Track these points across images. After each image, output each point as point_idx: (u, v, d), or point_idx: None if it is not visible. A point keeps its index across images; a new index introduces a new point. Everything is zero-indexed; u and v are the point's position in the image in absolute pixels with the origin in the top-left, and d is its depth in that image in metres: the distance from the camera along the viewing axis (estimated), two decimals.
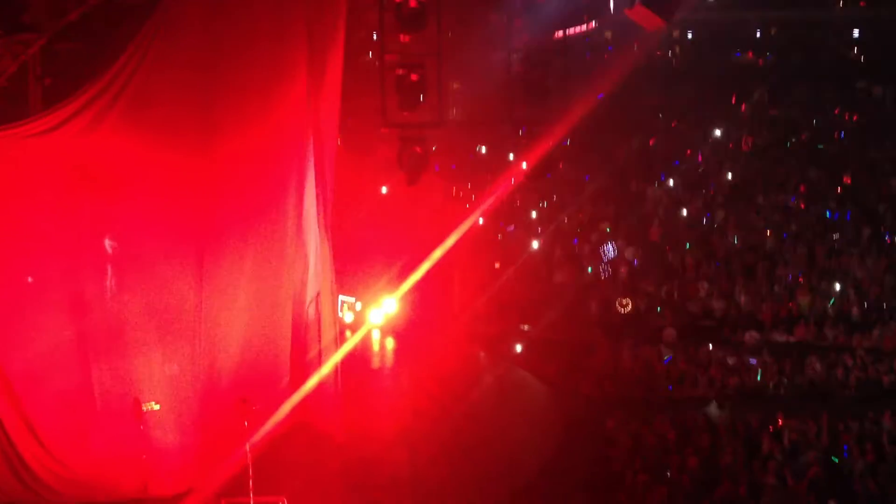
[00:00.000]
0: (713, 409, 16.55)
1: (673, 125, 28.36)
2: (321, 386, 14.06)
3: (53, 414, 12.65)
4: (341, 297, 19.00)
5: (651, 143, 27.57)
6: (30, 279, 12.69)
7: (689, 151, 27.26)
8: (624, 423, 15.17)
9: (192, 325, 13.00)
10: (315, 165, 14.53)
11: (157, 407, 11.82)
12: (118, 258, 12.93)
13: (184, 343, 12.98)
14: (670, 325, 20.01)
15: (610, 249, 22.92)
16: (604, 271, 22.66)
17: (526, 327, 21.27)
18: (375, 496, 12.88)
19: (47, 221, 12.55)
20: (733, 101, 28.97)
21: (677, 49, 30.35)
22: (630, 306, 20.93)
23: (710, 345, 19.23)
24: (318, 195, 14.70)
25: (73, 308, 12.72)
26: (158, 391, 12.47)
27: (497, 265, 23.45)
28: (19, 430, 12.48)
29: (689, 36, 30.25)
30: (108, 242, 12.90)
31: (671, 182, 26.07)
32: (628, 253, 23.03)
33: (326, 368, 14.08)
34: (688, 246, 23.18)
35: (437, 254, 18.41)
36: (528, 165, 16.08)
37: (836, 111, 28.17)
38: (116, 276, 12.94)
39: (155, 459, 12.02)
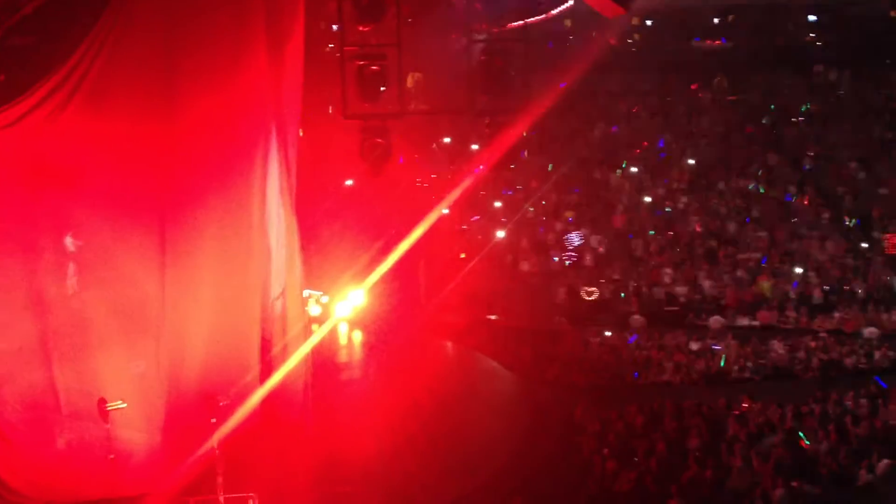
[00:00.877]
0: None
1: (634, 111, 28.55)
2: (288, 380, 13.98)
3: (17, 415, 12.43)
4: (307, 291, 18.88)
5: (613, 130, 27.73)
6: None
7: (649, 139, 27.47)
8: (591, 410, 15.26)
9: (156, 322, 12.84)
10: (278, 157, 14.42)
11: (123, 405, 11.63)
12: (80, 255, 12.72)
13: (148, 340, 12.82)
14: (636, 311, 20.18)
15: (575, 237, 23.04)
16: (569, 259, 22.78)
17: (493, 316, 21.33)
18: (344, 490, 12.81)
19: (5, 219, 12.31)
20: (693, 88, 29.22)
21: (637, 36, 30.50)
22: (596, 294, 21.07)
23: (675, 330, 19.42)
24: (281, 187, 14.60)
25: (35, 307, 12.49)
26: (124, 389, 12.25)
27: (463, 255, 23.49)
28: None
29: (649, 23, 30.40)
30: (69, 240, 12.69)
31: (634, 169, 26.25)
32: (593, 241, 23.17)
33: (293, 362, 14.00)
34: (651, 232, 23.36)
35: (404, 245, 18.39)
36: (491, 155, 16.07)
37: (794, 96, 28.53)
38: (78, 274, 12.74)
39: (122, 459, 11.86)
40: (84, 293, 12.72)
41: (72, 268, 12.81)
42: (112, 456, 11.47)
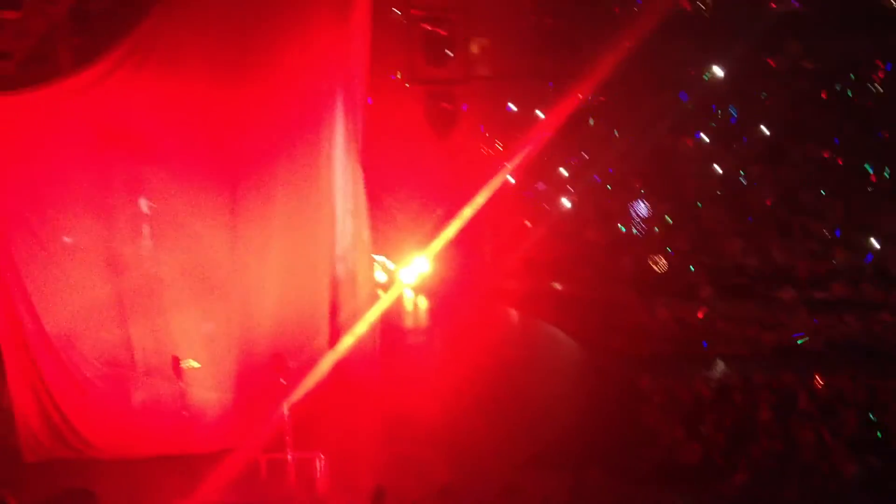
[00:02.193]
0: (719, 367, 16.44)
1: (705, 78, 27.85)
2: (357, 345, 14.13)
3: (95, 371, 12.82)
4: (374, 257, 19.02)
5: (682, 97, 27.13)
6: (67, 239, 12.79)
7: (719, 107, 26.82)
8: (657, 381, 15.13)
9: (226, 284, 13.07)
10: (344, 122, 14.48)
11: (196, 365, 11.91)
12: (154, 217, 12.99)
13: (219, 301, 13.06)
14: (705, 282, 19.87)
15: (642, 206, 22.72)
16: (636, 228, 22.49)
17: (557, 285, 21.22)
18: (411, 450, 12.93)
19: (83, 182, 12.59)
20: (766, 54, 28.39)
21: (709, 0, 29.69)
22: (664, 264, 20.79)
23: (746, 302, 19.08)
24: (347, 152, 14.66)
25: (112, 267, 12.80)
26: (196, 349, 12.55)
27: (528, 223, 23.35)
28: (62, 387, 12.66)
29: None
30: (143, 202, 12.95)
31: (704, 137, 25.70)
32: (660, 210, 22.83)
33: (362, 327, 14.14)
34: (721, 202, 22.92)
35: (468, 212, 18.34)
36: (556, 121, 15.93)
37: (872, 63, 27.54)
38: (152, 236, 13.02)
39: (195, 416, 12.15)
40: (158, 254, 13.01)
41: (146, 229, 13.10)
42: (185, 413, 11.75)
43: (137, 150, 12.68)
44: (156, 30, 12.35)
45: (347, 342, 14.15)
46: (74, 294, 12.64)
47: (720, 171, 24.37)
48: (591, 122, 21.33)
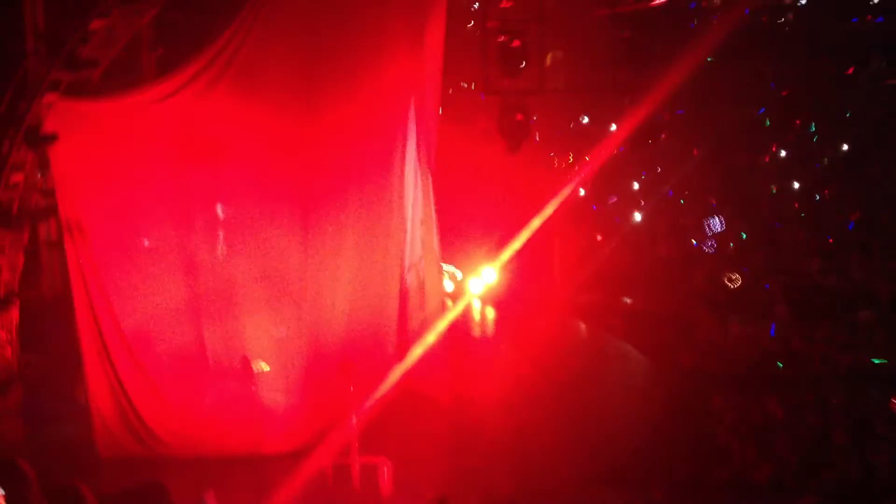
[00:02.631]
0: None
1: (784, 94, 27.32)
2: (426, 354, 14.20)
3: (168, 371, 13.10)
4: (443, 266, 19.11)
5: (760, 112, 26.65)
6: (146, 242, 13.14)
7: (799, 122, 26.27)
8: (729, 399, 14.84)
9: (297, 289, 13.23)
10: (417, 132, 14.61)
11: (266, 367, 12.10)
12: (229, 223, 13.27)
13: (291, 306, 13.23)
14: (780, 301, 19.43)
15: (716, 222, 22.37)
16: (710, 245, 22.15)
17: (627, 299, 21.00)
18: (476, 462, 12.90)
19: (162, 187, 12.89)
20: (848, 70, 27.71)
21: (790, 15, 29.15)
22: (738, 281, 20.40)
23: (822, 322, 18.58)
24: (420, 162, 14.79)
25: (187, 270, 13.09)
26: (267, 353, 12.76)
27: (599, 237, 23.18)
28: (137, 385, 12.96)
29: (803, 1, 28.99)
30: (219, 207, 13.24)
31: (782, 153, 25.21)
32: (736, 226, 22.45)
33: (431, 337, 14.21)
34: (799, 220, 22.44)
35: (537, 224, 18.27)
36: (630, 134, 15.81)
37: None
38: (227, 241, 13.29)
39: (264, 419, 12.32)
40: (232, 259, 13.26)
41: (221, 235, 13.38)
42: (254, 415, 11.93)
43: (214, 158, 12.93)
44: (232, 44, 12.59)
45: (416, 352, 14.23)
46: (151, 295, 12.94)
47: (798, 188, 23.88)
48: (666, 135, 21.00)
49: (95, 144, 12.51)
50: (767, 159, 24.99)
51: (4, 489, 6.37)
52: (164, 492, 5.25)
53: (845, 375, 16.71)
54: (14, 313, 12.67)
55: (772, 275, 20.65)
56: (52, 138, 12.18)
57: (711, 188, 24.05)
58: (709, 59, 20.13)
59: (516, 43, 13.74)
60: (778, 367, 17.12)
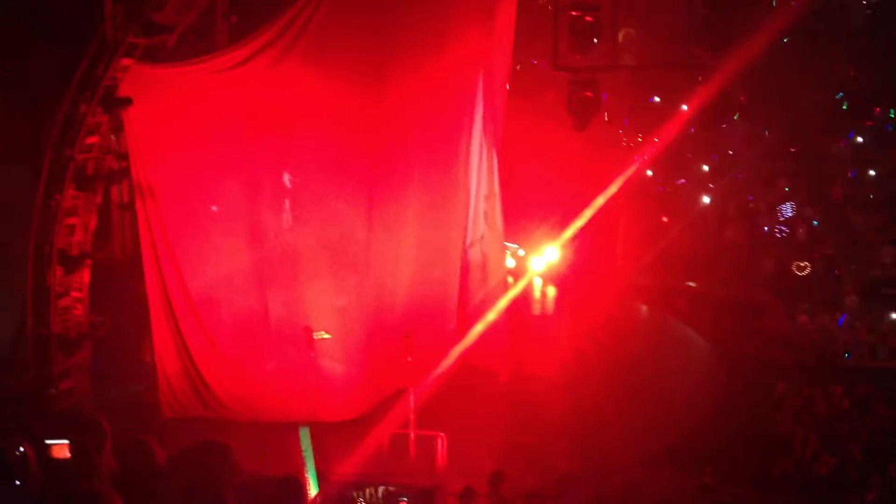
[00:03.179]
0: None
1: (863, 78, 26.48)
2: (487, 330, 14.19)
3: (232, 335, 13.32)
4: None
5: (838, 96, 25.88)
6: (214, 208, 13.33)
7: (878, 108, 25.46)
8: (794, 388, 14.58)
9: (361, 260, 13.32)
10: (484, 109, 14.52)
11: (327, 336, 12.20)
12: (295, 192, 13.37)
13: (353, 276, 13.34)
14: (850, 290, 18.97)
15: (787, 208, 21.87)
16: (780, 231, 21.68)
17: (692, 283, 20.71)
18: (532, 440, 12.88)
19: (231, 154, 13.02)
20: None
21: None
22: (808, 269, 19.96)
23: (893, 313, 18.11)
24: (485, 138, 14.71)
25: (253, 236, 13.27)
26: (328, 321, 12.85)
27: (665, 219, 22.85)
28: (201, 348, 13.20)
29: None
30: (286, 176, 13.34)
31: (859, 139, 24.47)
32: (807, 212, 21.92)
33: (492, 314, 14.18)
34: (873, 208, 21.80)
35: (600, 202, 18.05)
36: (701, 115, 15.45)
37: None
38: (293, 209, 13.40)
39: (323, 386, 12.43)
40: (296, 227, 13.40)
41: (287, 203, 13.50)
42: (314, 382, 12.06)
43: (283, 128, 13.02)
44: (304, 15, 12.58)
45: (477, 327, 14.22)
46: (217, 261, 13.15)
47: (874, 175, 23.19)
48: (738, 117, 20.55)
49: (168, 109, 12.67)
50: (843, 144, 24.28)
51: (82, 442, 6.56)
52: (228, 451, 5.34)
53: None
54: (86, 273, 12.96)
55: (842, 264, 20.17)
56: (127, 102, 12.36)
57: (783, 172, 23.49)
58: (784, 40, 19.58)
59: (589, 18, 13.46)
60: (845, 357, 16.76)
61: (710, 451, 12.40)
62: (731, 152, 24.63)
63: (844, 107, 25.25)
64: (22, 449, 6.24)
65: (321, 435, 11.96)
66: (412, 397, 11.93)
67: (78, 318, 12.89)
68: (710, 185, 23.75)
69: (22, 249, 12.71)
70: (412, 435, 11.88)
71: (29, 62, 13.73)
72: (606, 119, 23.52)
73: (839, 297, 18.81)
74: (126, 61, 12.32)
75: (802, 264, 20.27)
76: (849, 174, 23.12)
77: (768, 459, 12.59)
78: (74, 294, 12.85)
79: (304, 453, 10.36)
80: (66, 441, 7.09)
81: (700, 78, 15.61)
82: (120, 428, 6.67)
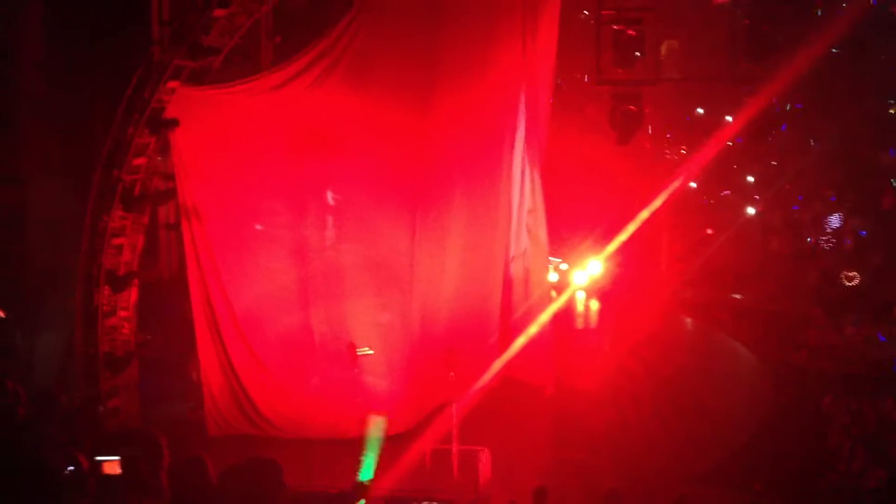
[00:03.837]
0: None
1: None
2: (529, 344, 14.16)
3: (276, 353, 13.44)
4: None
5: (886, 104, 25.43)
6: (258, 227, 13.47)
7: None
8: (842, 400, 14.32)
9: (404, 277, 13.36)
10: (527, 124, 14.55)
11: (370, 352, 12.25)
12: (338, 209, 13.49)
13: (396, 293, 13.38)
14: None
15: (834, 219, 21.54)
16: (826, 242, 21.35)
17: (737, 295, 20.50)
18: (579, 455, 12.82)
19: (275, 173, 13.19)
20: None
21: None
22: (856, 280, 19.64)
23: None
24: (528, 153, 14.73)
25: (297, 254, 13.38)
26: (371, 338, 12.90)
27: (709, 231, 22.65)
28: (246, 365, 13.35)
29: None
30: (330, 194, 13.48)
31: None
32: (854, 223, 21.57)
33: (534, 328, 14.16)
34: None
35: (644, 216, 17.97)
36: (747, 126, 15.34)
37: None
38: (336, 227, 13.52)
39: (367, 402, 12.47)
40: (340, 244, 13.49)
41: (330, 220, 13.63)
42: (359, 399, 12.11)
43: (326, 146, 13.14)
44: (347, 35, 12.76)
45: (519, 341, 14.20)
46: (262, 278, 13.30)
47: None
48: (785, 128, 20.34)
49: (214, 130, 12.91)
50: (892, 154, 23.86)
51: (135, 458, 6.71)
52: (277, 469, 5.42)
53: None
54: (133, 292, 13.20)
55: (891, 274, 19.81)
56: (174, 123, 12.61)
57: (830, 183, 23.14)
58: (833, 50, 19.33)
59: (631, 32, 13.47)
60: (894, 369, 16.46)
61: (758, 466, 12.24)
62: (774, 163, 24.35)
63: (892, 111, 24.82)
64: (73, 467, 6.39)
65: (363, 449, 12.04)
66: (455, 412, 11.95)
67: (125, 337, 13.13)
68: (756, 197, 23.47)
69: (71, 269, 12.99)
70: (455, 450, 11.90)
71: (81, 84, 14.11)
72: (650, 132, 23.39)
73: (888, 307, 18.47)
74: (173, 83, 12.58)
75: (851, 274, 19.96)
76: None
77: (817, 473, 12.39)
78: (122, 313, 13.09)
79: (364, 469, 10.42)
80: (117, 458, 7.27)
81: (745, 89, 15.51)
82: (168, 446, 6.81)
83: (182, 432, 12.73)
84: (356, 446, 11.68)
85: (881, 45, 24.42)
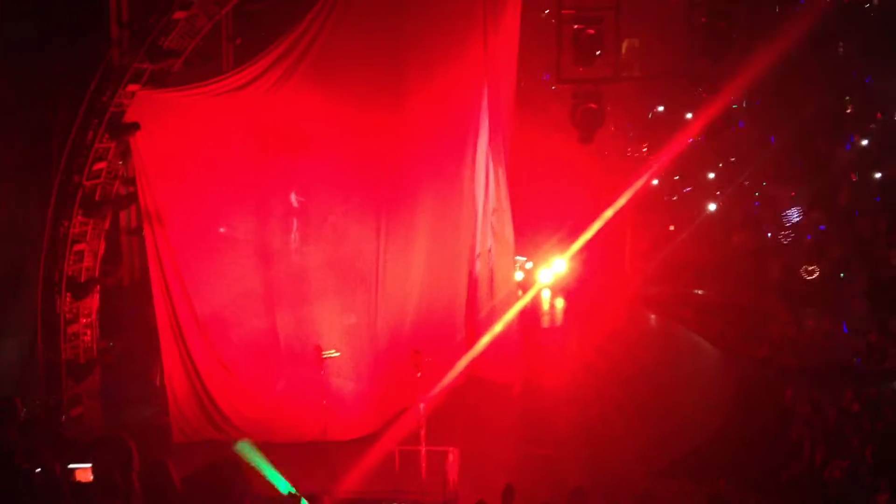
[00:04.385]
0: None
1: (867, 81, 26.44)
2: (495, 343, 14.21)
3: (241, 357, 13.38)
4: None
5: (843, 100, 25.83)
6: (222, 230, 13.40)
7: (883, 111, 25.41)
8: (803, 393, 14.56)
9: (370, 278, 13.35)
10: (490, 123, 14.60)
11: (336, 354, 12.22)
12: (302, 212, 13.42)
13: (362, 295, 13.37)
14: (858, 294, 18.94)
15: (794, 213, 21.86)
16: (786, 236, 21.66)
17: (700, 291, 20.72)
18: (546, 453, 12.88)
19: (238, 175, 13.11)
20: None
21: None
22: (816, 273, 19.95)
23: None
24: (492, 152, 14.77)
25: (261, 257, 13.32)
26: (337, 339, 12.88)
27: (672, 227, 22.88)
28: (211, 370, 13.28)
29: None
30: (293, 197, 13.41)
31: (864, 142, 24.42)
32: (814, 217, 21.90)
33: (499, 326, 14.21)
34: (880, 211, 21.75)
35: (608, 214, 18.11)
36: (706, 123, 15.48)
37: None
38: (301, 229, 13.45)
39: (333, 405, 12.45)
40: (305, 247, 13.45)
41: (295, 223, 13.55)
42: (324, 401, 12.08)
43: (289, 148, 13.10)
44: (309, 35, 12.70)
45: (484, 340, 14.25)
46: (226, 282, 13.22)
47: (880, 178, 23.14)
48: (743, 124, 20.60)
49: (175, 133, 12.80)
50: (848, 149, 24.25)
51: (106, 463, 6.70)
52: (239, 470, 5.43)
53: None
54: (95, 298, 13.07)
55: (850, 267, 20.15)
56: (135, 127, 12.50)
57: (789, 178, 23.47)
58: (789, 47, 19.58)
59: (591, 31, 13.54)
60: (855, 361, 16.73)
61: (721, 460, 12.39)
62: (733, 160, 24.64)
63: (848, 111, 25.24)
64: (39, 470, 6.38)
65: (332, 453, 12.03)
66: (422, 412, 11.96)
67: (87, 344, 13.01)
68: (717, 193, 23.75)
69: (31, 275, 12.82)
70: (423, 450, 11.91)
71: (38, 87, 13.91)
72: (612, 130, 23.54)
73: (847, 300, 18.79)
74: (132, 87, 12.47)
75: (811, 268, 20.26)
76: (854, 178, 23.08)
77: (779, 466, 12.56)
78: (84, 320, 12.97)
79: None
80: (89, 465, 7.25)
81: (704, 87, 15.66)
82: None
83: (146, 438, 12.60)
84: (322, 449, 11.69)
85: (835, 41, 24.83)
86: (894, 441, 12.68)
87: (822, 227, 21.69)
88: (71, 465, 7.30)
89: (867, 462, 12.22)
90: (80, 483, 7.19)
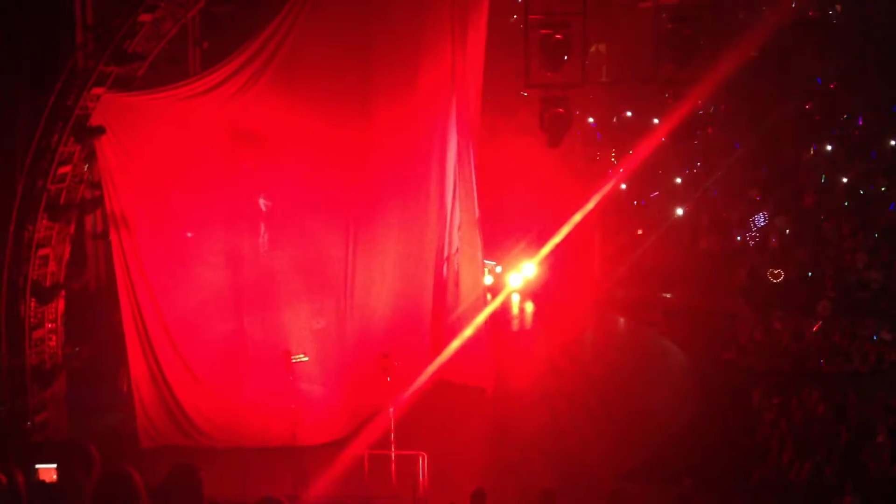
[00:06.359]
0: None
1: (831, 88, 26.86)
2: (465, 347, 14.23)
3: (209, 362, 13.26)
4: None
5: (807, 106, 26.22)
6: (189, 234, 13.26)
7: (845, 116, 25.84)
8: (769, 395, 14.71)
9: (338, 282, 13.33)
10: (458, 126, 14.63)
11: (305, 359, 12.16)
12: (271, 216, 13.33)
13: (331, 299, 13.34)
14: (824, 296, 19.18)
15: (760, 217, 22.12)
16: (752, 240, 21.91)
17: (668, 294, 20.88)
18: (514, 455, 12.91)
19: (206, 179, 13.00)
20: None
21: (838, 7, 28.63)
22: (781, 276, 20.18)
23: (866, 318, 18.32)
24: (461, 157, 14.80)
25: (229, 262, 13.22)
26: (306, 344, 12.83)
27: (640, 231, 23.05)
28: (178, 375, 13.15)
29: None
30: (262, 201, 13.31)
31: (828, 147, 24.81)
32: (779, 221, 22.18)
33: (470, 330, 14.23)
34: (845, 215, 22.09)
35: (577, 218, 18.23)
36: (673, 128, 15.59)
37: None
38: (269, 233, 13.36)
39: (302, 409, 12.39)
40: (273, 251, 13.34)
41: (263, 227, 13.46)
42: (293, 406, 12.02)
43: (256, 152, 13.01)
44: (276, 39, 12.61)
45: (454, 344, 14.26)
46: (193, 287, 13.10)
47: (845, 183, 23.50)
48: (710, 130, 20.83)
49: (141, 137, 12.65)
50: (812, 154, 24.62)
51: (70, 469, 6.61)
52: (199, 474, 5.34)
53: (888, 371, 16.50)
54: (60, 304, 12.89)
55: (815, 270, 20.40)
56: (100, 131, 12.36)
57: (755, 183, 23.77)
58: (755, 53, 19.85)
59: (559, 36, 13.59)
60: (820, 363, 16.93)
61: (688, 462, 12.49)
62: (699, 164, 24.91)
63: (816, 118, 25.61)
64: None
65: (301, 458, 11.97)
66: (392, 416, 11.95)
67: (53, 349, 12.82)
68: (684, 197, 23.98)
69: None
70: (393, 455, 11.89)
71: (0, 89, 13.71)
72: (580, 135, 23.72)
73: (812, 303, 19.03)
74: (97, 90, 12.32)
75: (776, 272, 20.48)
76: (819, 182, 23.44)
77: (746, 467, 12.68)
78: (49, 325, 12.78)
79: None
80: (53, 465, 7.15)
81: (670, 92, 15.78)
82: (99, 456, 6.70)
83: (113, 444, 12.51)
84: (291, 454, 11.62)
85: (800, 48, 25.18)
86: (860, 442, 12.86)
87: (787, 230, 21.98)
88: (36, 465, 7.19)
89: (833, 463, 12.38)
90: (41, 483, 7.09)
